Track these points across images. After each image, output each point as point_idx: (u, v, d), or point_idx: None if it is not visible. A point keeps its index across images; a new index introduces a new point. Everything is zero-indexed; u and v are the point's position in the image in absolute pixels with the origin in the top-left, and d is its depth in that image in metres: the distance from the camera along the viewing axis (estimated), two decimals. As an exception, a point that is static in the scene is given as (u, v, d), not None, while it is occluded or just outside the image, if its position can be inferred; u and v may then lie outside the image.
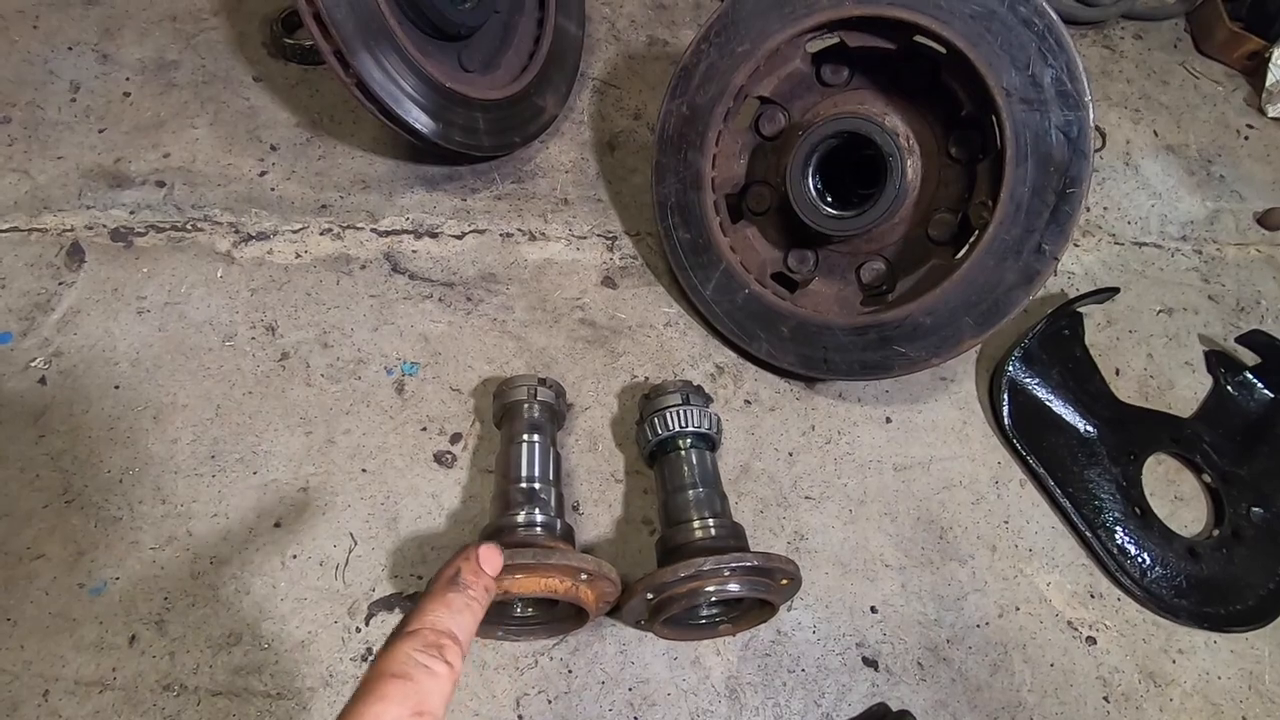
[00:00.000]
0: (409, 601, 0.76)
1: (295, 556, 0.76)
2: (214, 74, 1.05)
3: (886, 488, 0.91)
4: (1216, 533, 0.95)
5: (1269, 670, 0.88)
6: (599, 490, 0.85)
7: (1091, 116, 0.73)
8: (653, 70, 1.22)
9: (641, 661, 0.77)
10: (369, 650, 0.73)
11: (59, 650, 0.69)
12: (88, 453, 0.78)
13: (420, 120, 0.90)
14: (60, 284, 0.87)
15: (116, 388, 0.82)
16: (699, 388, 0.86)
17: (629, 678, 0.76)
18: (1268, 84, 1.43)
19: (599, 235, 1.04)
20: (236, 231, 0.94)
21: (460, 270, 0.97)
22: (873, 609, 0.84)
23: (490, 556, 0.44)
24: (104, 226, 0.91)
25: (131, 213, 0.93)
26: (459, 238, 0.99)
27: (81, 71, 1.01)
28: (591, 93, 1.18)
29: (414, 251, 0.97)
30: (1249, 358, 1.08)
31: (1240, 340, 1.07)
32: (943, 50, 0.79)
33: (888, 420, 0.96)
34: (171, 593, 0.73)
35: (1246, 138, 1.42)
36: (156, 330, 0.86)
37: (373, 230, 0.97)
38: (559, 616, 0.72)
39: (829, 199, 0.90)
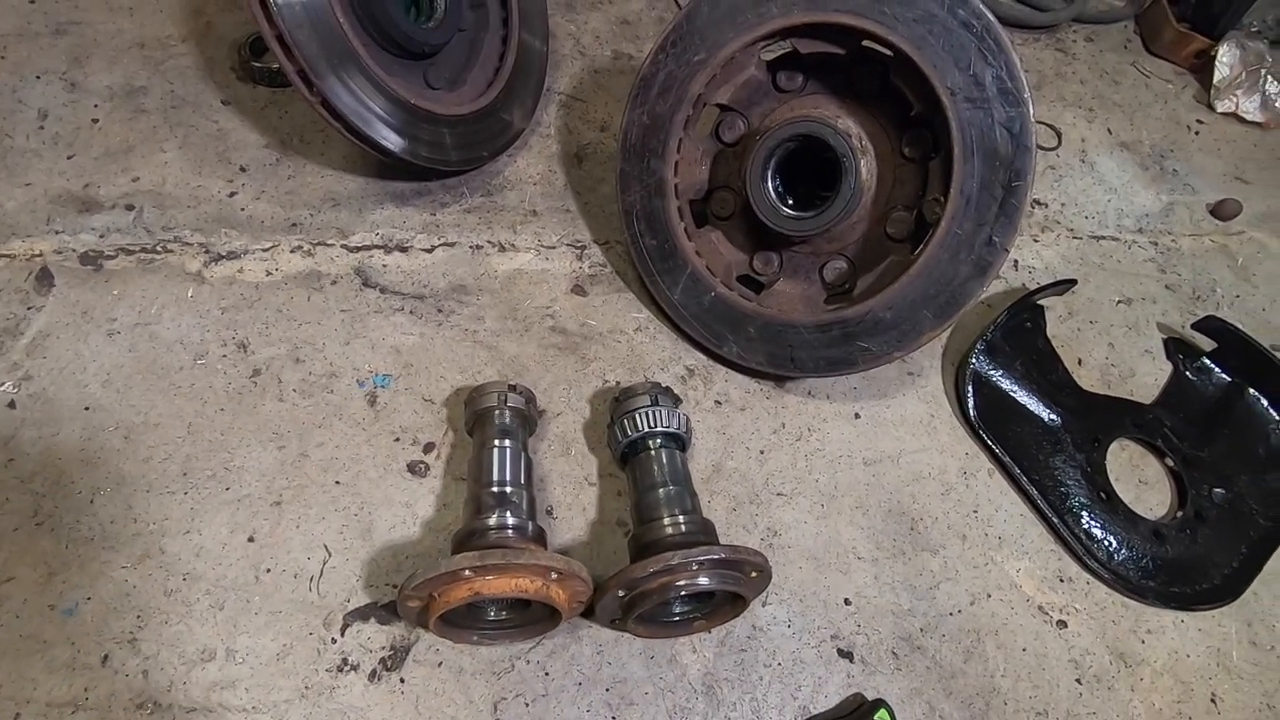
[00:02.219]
0: (385, 611, 0.76)
1: (269, 570, 0.76)
2: (183, 98, 1.07)
3: (857, 482, 0.93)
4: (1180, 514, 0.97)
5: (1236, 647, 0.89)
6: (573, 494, 0.86)
7: (1031, 112, 0.76)
8: (618, 84, 1.25)
9: (618, 661, 0.77)
10: (344, 661, 0.73)
11: (30, 672, 0.68)
12: (58, 474, 0.78)
13: (387, 137, 0.92)
14: (29, 309, 0.87)
15: (87, 409, 0.82)
16: (668, 389, 0.88)
17: (606, 678, 0.76)
18: (1215, 80, 1.48)
19: (568, 245, 1.06)
20: (207, 251, 0.95)
21: (431, 283, 0.98)
22: (846, 601, 0.85)
23: None
24: (73, 251, 0.92)
25: (101, 236, 0.93)
26: (429, 251, 1.01)
27: (50, 100, 1.02)
28: (558, 107, 1.20)
29: (384, 266, 0.98)
30: (1206, 344, 1.10)
31: (1196, 327, 1.10)
32: (890, 54, 0.82)
33: (856, 416, 0.98)
34: (144, 611, 0.73)
35: (1197, 133, 1.46)
36: (127, 351, 0.86)
37: (343, 246, 0.99)
38: (533, 618, 0.73)
39: (790, 201, 0.92)
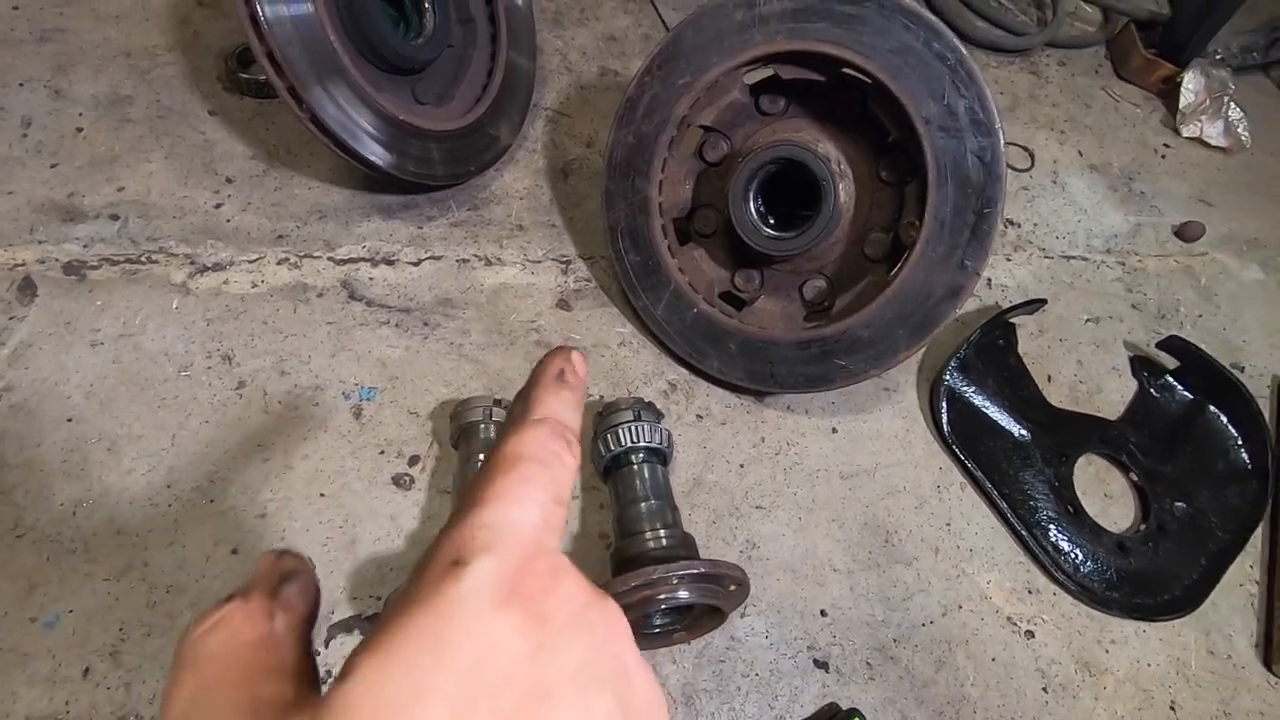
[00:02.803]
0: (368, 623, 0.77)
1: (253, 582, 0.77)
2: (169, 108, 1.07)
3: (834, 495, 0.95)
4: (1143, 527, 1.00)
5: (1194, 656, 0.93)
6: (556, 507, 0.87)
7: (1002, 143, 0.79)
8: (604, 100, 1.27)
9: (599, 673, 0.79)
10: (329, 673, 0.74)
11: (11, 686, 0.68)
12: (40, 486, 0.78)
13: (375, 152, 0.93)
14: (11, 319, 0.87)
15: (69, 420, 0.82)
16: (650, 404, 0.90)
17: (587, 689, 0.77)
18: (1181, 106, 1.54)
19: (554, 259, 1.07)
20: (192, 263, 0.95)
21: (417, 296, 0.99)
22: (823, 612, 0.87)
23: (578, 357, 0.37)
24: (56, 260, 0.91)
25: (85, 246, 0.93)
26: (415, 264, 1.02)
27: (33, 108, 1.02)
28: (545, 122, 1.22)
29: (371, 279, 0.99)
30: (1170, 362, 1.15)
31: (1160, 346, 1.14)
32: (869, 81, 0.85)
33: (834, 430, 1.00)
34: (126, 623, 0.73)
35: (1164, 156, 1.51)
36: (110, 362, 0.86)
37: (329, 259, 0.99)
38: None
39: (771, 221, 0.94)
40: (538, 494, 0.29)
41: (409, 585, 0.27)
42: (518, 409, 0.35)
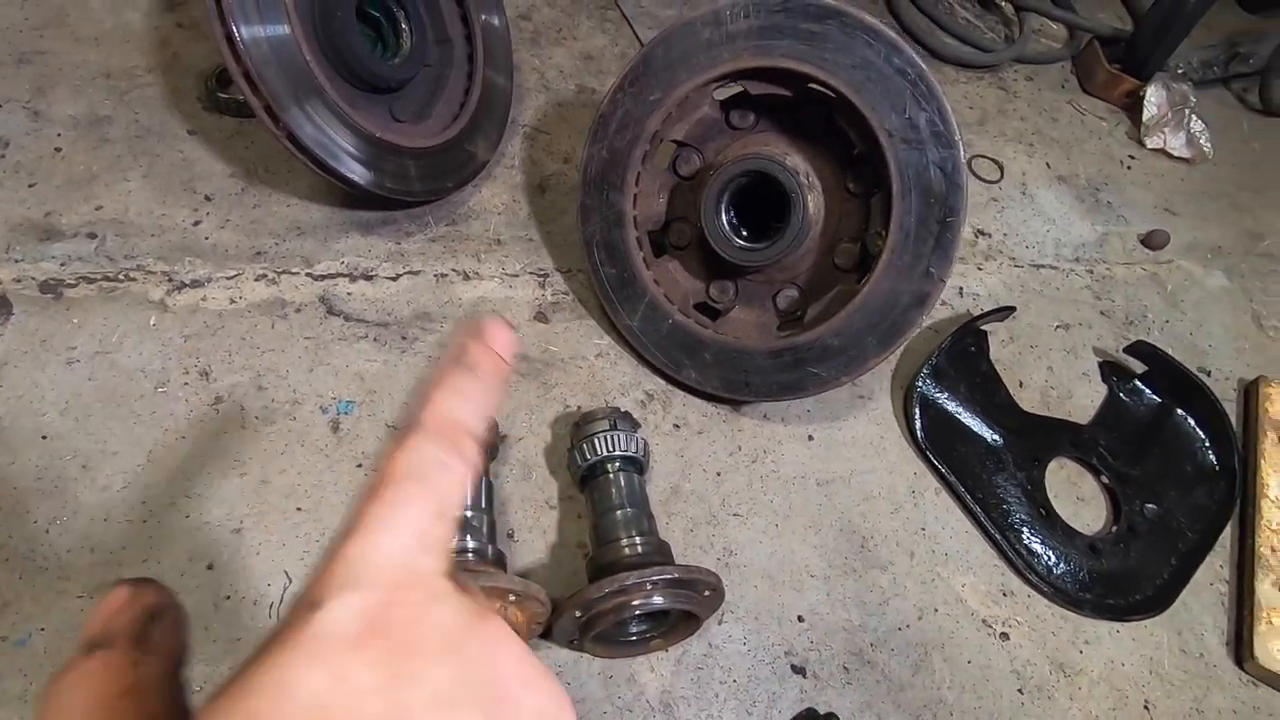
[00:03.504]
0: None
1: (228, 598, 0.77)
2: (148, 128, 1.08)
3: (810, 502, 0.96)
4: (1114, 529, 1.02)
5: (1167, 655, 0.94)
6: (533, 517, 0.88)
7: (962, 154, 0.81)
8: (581, 117, 1.29)
9: (577, 682, 0.79)
10: (304, 687, 0.74)
11: (-20, 706, 0.68)
12: (13, 504, 0.78)
13: (352, 169, 0.94)
14: (-14, 337, 0.87)
15: (44, 438, 0.82)
16: (626, 414, 0.91)
17: (565, 698, 0.78)
18: (1144, 118, 1.58)
19: (531, 273, 1.08)
20: (170, 280, 0.96)
21: (395, 310, 1.00)
22: (800, 618, 0.88)
23: (498, 331, 0.34)
24: (33, 279, 0.92)
25: (62, 264, 0.94)
26: (394, 279, 1.03)
27: (11, 129, 1.03)
28: (523, 139, 1.24)
29: (349, 294, 1.00)
30: (1138, 366, 1.17)
31: (1128, 350, 1.16)
32: (833, 96, 0.87)
33: (810, 438, 1.01)
34: (100, 640, 0.72)
35: (1129, 167, 1.55)
36: (86, 379, 0.86)
37: (308, 275, 1.00)
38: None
39: (744, 233, 0.96)
40: (413, 516, 0.28)
41: (273, 629, 0.26)
42: (413, 406, 0.32)
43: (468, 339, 0.33)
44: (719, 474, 0.96)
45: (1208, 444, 1.11)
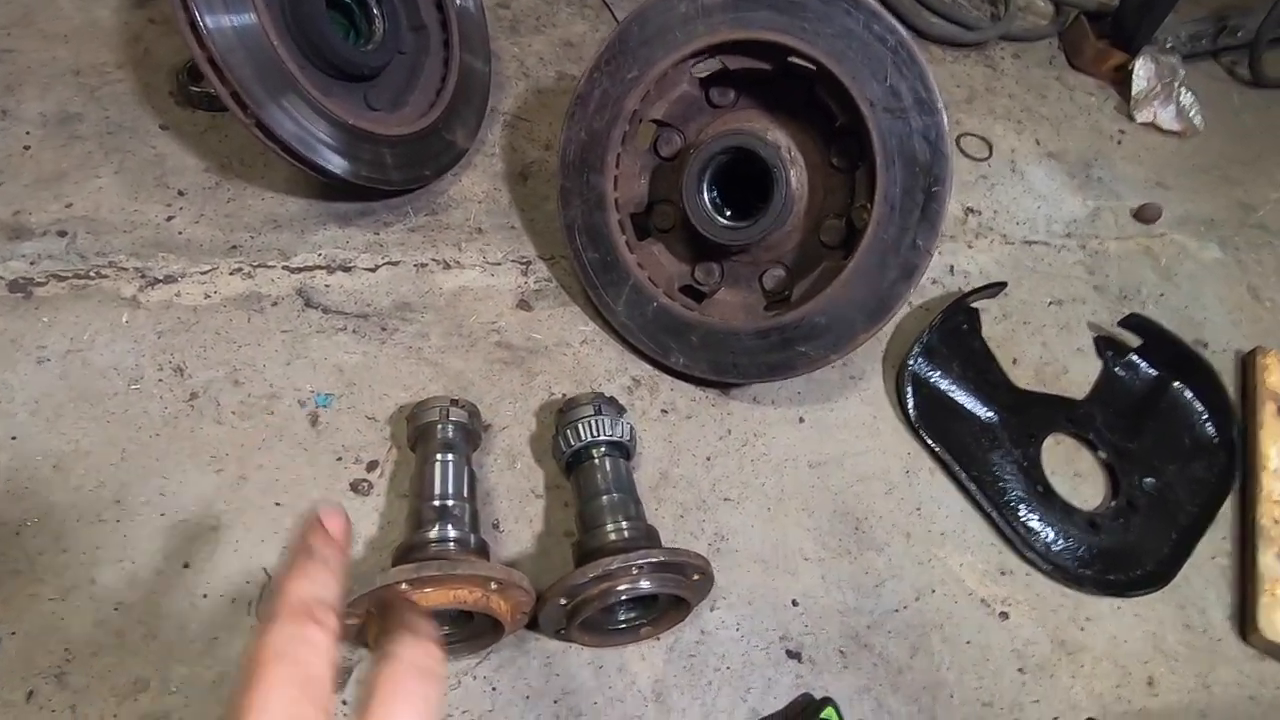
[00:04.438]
0: (327, 632, 0.75)
1: (205, 596, 0.75)
2: (119, 124, 1.06)
3: (803, 485, 0.94)
4: (1113, 504, 1.00)
5: (1170, 630, 0.92)
6: (519, 506, 0.86)
7: (945, 121, 0.79)
8: (562, 104, 1.26)
9: (567, 673, 0.77)
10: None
11: (-51, 713, 0.66)
12: (-18, 507, 0.76)
13: (327, 159, 0.92)
14: (-46, 338, 0.85)
15: (14, 439, 0.80)
16: (612, 399, 0.89)
17: (554, 690, 0.76)
18: (1133, 92, 1.56)
19: (513, 261, 1.06)
20: (143, 276, 0.94)
21: (374, 302, 0.98)
22: (794, 602, 0.86)
23: (330, 515, 0.41)
24: (1, 279, 0.90)
25: (31, 263, 0.91)
26: (372, 270, 1.01)
27: (-21, 127, 1.01)
28: (503, 126, 1.22)
29: (327, 286, 0.98)
30: (1133, 340, 1.15)
31: (1123, 324, 1.15)
32: (813, 68, 0.86)
33: (801, 420, 1.00)
34: (73, 643, 0.70)
35: (1119, 142, 1.54)
36: (57, 378, 0.84)
37: (284, 268, 0.98)
38: (476, 631, 0.72)
39: (728, 212, 0.94)
40: (278, 695, 0.32)
41: None
42: (272, 597, 0.37)
43: (307, 530, 0.40)
44: (709, 459, 0.94)
45: (1206, 416, 1.09)
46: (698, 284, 0.99)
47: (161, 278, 0.94)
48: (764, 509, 0.92)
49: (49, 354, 0.86)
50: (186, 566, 0.76)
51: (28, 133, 1.02)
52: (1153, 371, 1.12)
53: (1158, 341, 1.12)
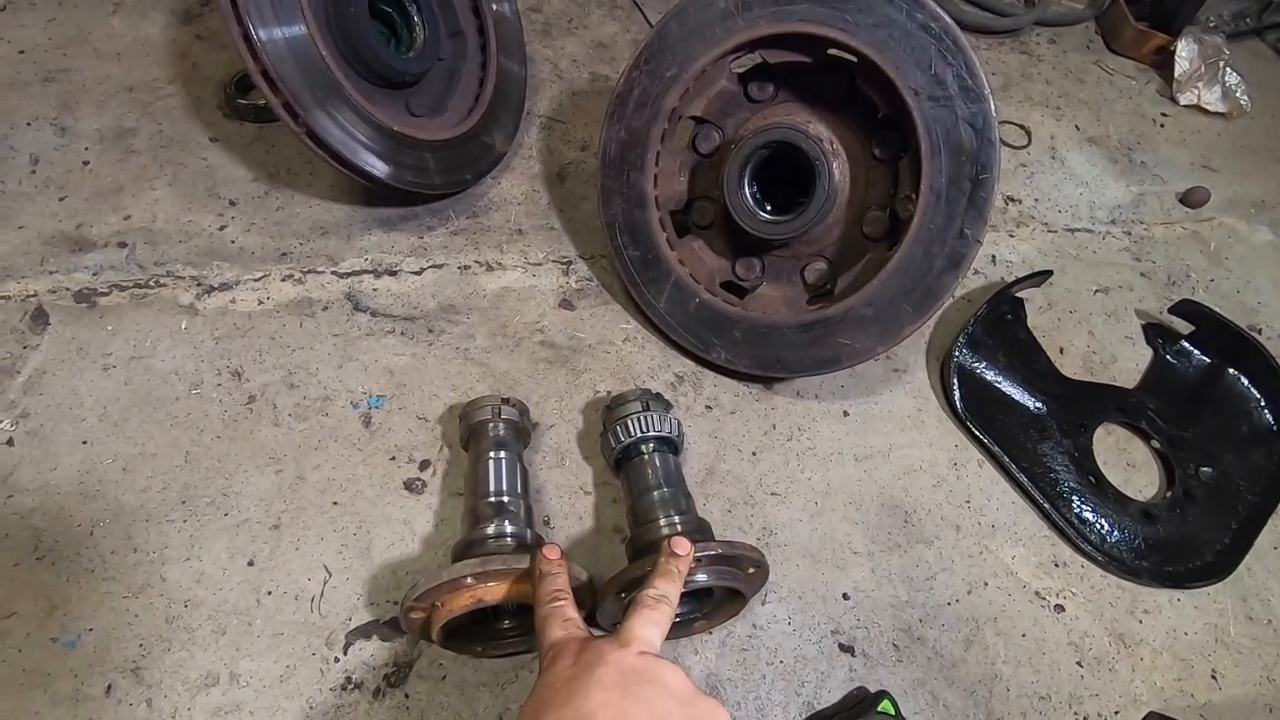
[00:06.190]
0: (386, 628, 0.77)
1: (270, 593, 0.77)
2: (171, 138, 1.09)
3: (849, 478, 0.94)
4: (1169, 494, 0.98)
5: (1233, 622, 0.90)
6: (569, 503, 0.87)
7: (993, 108, 0.78)
8: (596, 104, 1.28)
9: (621, 667, 0.77)
10: (348, 679, 0.74)
11: (34, 706, 0.69)
12: (57, 508, 0.79)
13: (372, 164, 0.94)
14: (25, 348, 0.88)
15: (84, 443, 0.83)
16: (658, 395, 0.89)
17: (610, 684, 0.76)
18: (1176, 74, 1.53)
19: (554, 261, 1.08)
20: (199, 284, 0.96)
21: (421, 304, 1.00)
22: (845, 596, 0.85)
23: (550, 549, 0.66)
24: (67, 289, 0.93)
25: (94, 274, 0.95)
26: (418, 274, 1.03)
27: (40, 145, 1.05)
28: (539, 129, 1.23)
29: (374, 290, 1.00)
30: (1184, 327, 1.13)
31: (1173, 311, 1.12)
32: (854, 59, 0.85)
33: (845, 414, 0.99)
34: (146, 639, 0.73)
35: (1162, 125, 1.50)
36: (123, 384, 0.87)
37: (333, 273, 1.00)
38: (534, 627, 0.73)
39: (768, 207, 0.94)
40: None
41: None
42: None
43: (540, 559, 0.67)
44: (754, 453, 0.94)
45: (1263, 403, 1.06)
46: (739, 279, 0.99)
47: (217, 285, 0.97)
48: (811, 503, 0.91)
49: (114, 361, 0.89)
50: (251, 564, 0.78)
51: (86, 148, 1.06)
52: (1206, 358, 1.10)
53: (1210, 327, 1.10)
